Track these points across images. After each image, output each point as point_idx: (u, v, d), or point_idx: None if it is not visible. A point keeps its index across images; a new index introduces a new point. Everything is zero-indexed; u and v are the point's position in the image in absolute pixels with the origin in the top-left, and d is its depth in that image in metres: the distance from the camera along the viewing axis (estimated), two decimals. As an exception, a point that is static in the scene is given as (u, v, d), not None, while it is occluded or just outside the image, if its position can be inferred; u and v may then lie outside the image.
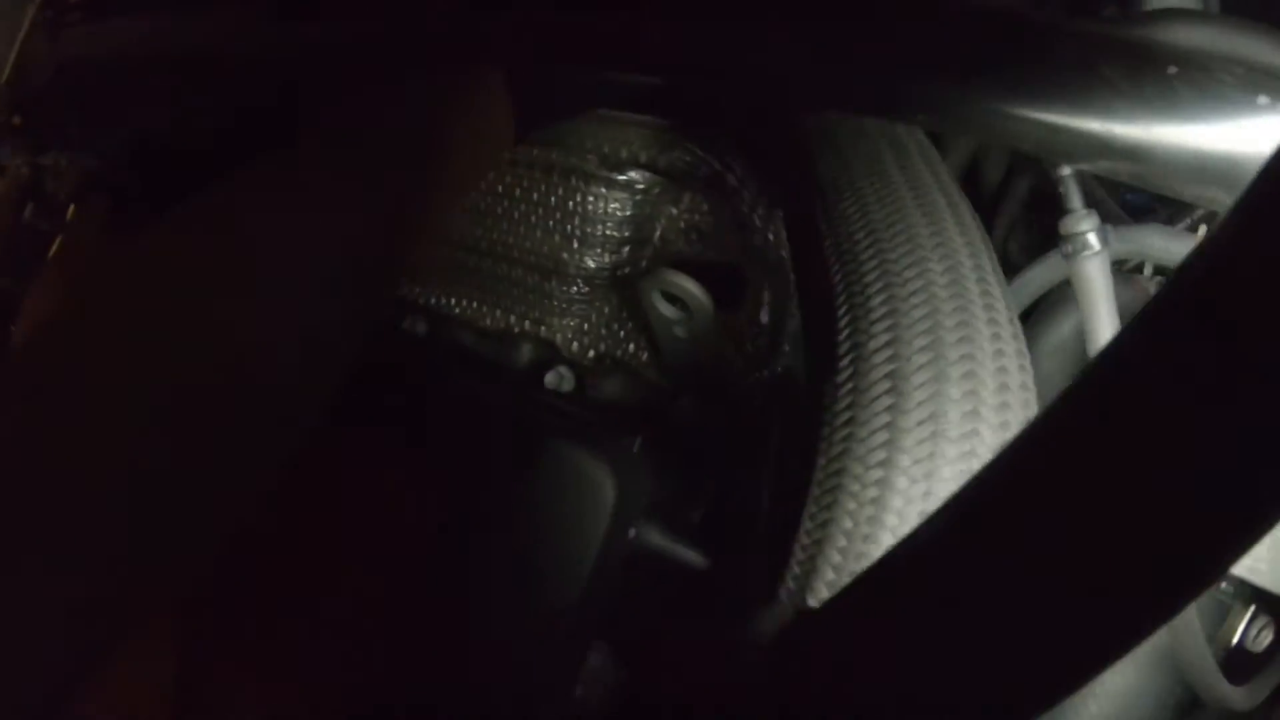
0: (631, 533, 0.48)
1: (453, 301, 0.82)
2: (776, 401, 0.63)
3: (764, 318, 0.69)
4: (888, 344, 0.40)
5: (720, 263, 0.71)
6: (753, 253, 0.70)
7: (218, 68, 0.82)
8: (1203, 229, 0.54)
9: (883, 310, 0.41)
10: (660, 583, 0.51)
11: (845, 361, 0.41)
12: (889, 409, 0.38)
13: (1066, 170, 0.43)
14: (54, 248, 1.07)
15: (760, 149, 0.68)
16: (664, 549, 0.49)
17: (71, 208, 1.06)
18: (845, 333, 0.42)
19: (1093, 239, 0.44)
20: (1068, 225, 0.45)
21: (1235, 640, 0.54)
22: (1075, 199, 0.44)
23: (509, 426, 0.52)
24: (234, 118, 0.92)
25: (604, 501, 0.45)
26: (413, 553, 0.53)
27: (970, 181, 0.69)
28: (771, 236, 0.72)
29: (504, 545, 0.49)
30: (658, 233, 0.74)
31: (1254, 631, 0.55)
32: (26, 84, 1.04)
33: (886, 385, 0.38)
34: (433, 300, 0.83)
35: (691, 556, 0.49)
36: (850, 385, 0.40)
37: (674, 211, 0.73)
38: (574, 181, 0.73)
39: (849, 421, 0.39)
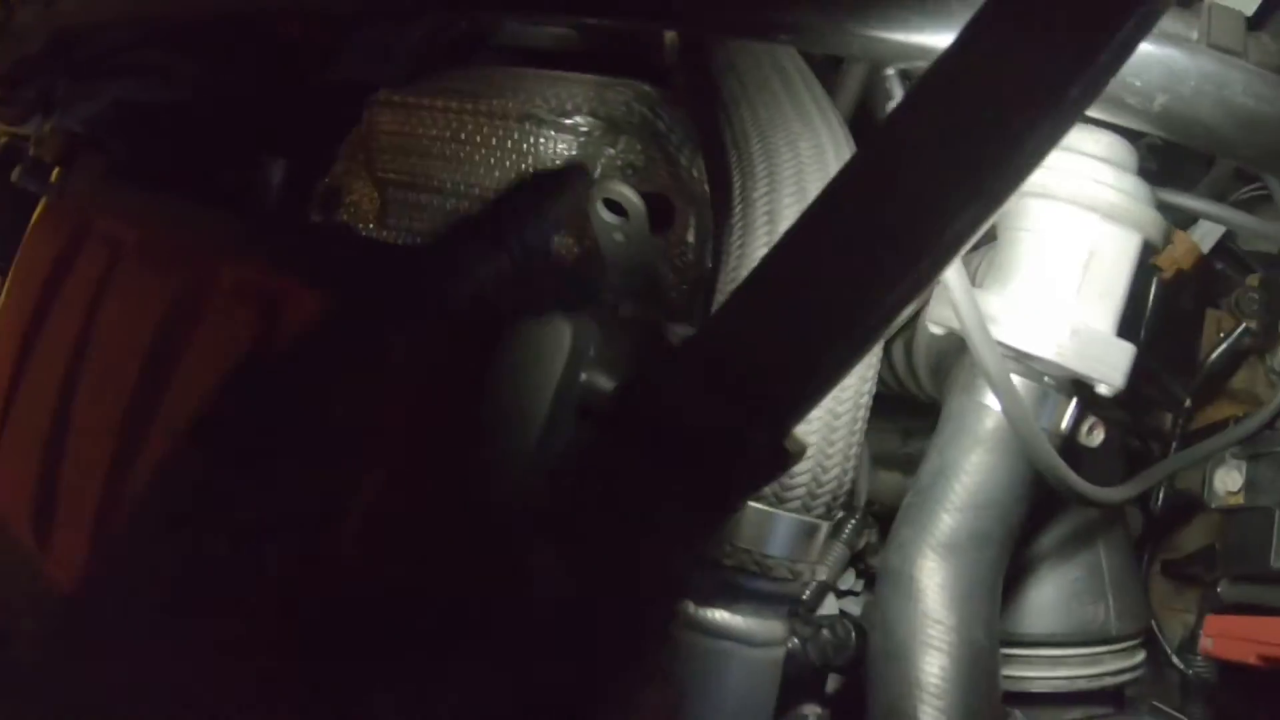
0: (583, 376, 0.60)
1: (418, 240, 0.93)
2: (699, 302, 0.76)
3: (690, 237, 0.82)
4: (766, 192, 0.54)
5: (651, 193, 0.84)
6: (679, 184, 0.83)
7: (209, 32, 0.93)
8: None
9: (763, 172, 0.55)
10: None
11: (738, 209, 0.55)
12: (767, 232, 0.52)
13: (890, 70, 0.59)
14: (38, 212, 1.14)
15: (687, 90, 0.81)
16: (609, 391, 0.61)
17: (57, 170, 1.14)
18: (738, 192, 0.57)
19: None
20: (889, 109, 0.60)
21: (1064, 426, 0.68)
22: (897, 90, 0.60)
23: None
24: (224, 82, 1.02)
25: (560, 344, 0.58)
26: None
27: (862, 118, 0.83)
28: (695, 172, 0.85)
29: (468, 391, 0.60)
30: (598, 170, 0.86)
31: (1085, 428, 0.70)
32: (7, 53, 1.11)
33: (766, 218, 0.53)
34: (402, 239, 0.94)
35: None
36: (742, 222, 0.54)
37: (611, 152, 0.86)
38: (528, 126, 0.86)
39: (740, 244, 0.53)
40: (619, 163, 0.86)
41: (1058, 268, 0.66)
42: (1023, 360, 0.66)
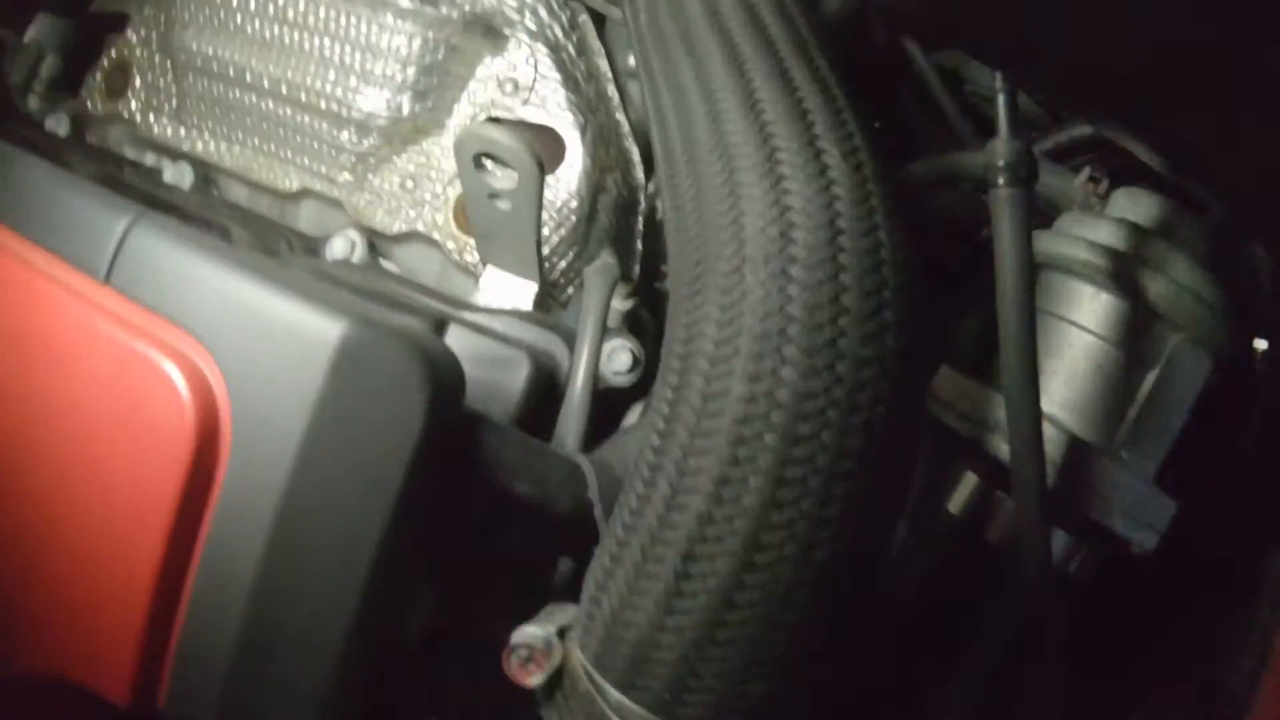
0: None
1: (225, 148, 0.70)
2: (598, 282, 0.57)
3: (578, 187, 0.62)
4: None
5: (536, 125, 0.63)
6: (573, 111, 0.63)
7: None
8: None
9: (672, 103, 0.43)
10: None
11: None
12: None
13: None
14: None
15: None
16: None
17: None
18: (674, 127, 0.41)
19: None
20: None
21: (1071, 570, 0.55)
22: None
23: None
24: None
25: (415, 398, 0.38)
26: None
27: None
28: (593, 94, 0.65)
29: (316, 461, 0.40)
30: (469, 82, 0.65)
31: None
32: None
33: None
34: (201, 146, 0.71)
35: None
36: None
37: (489, 60, 0.65)
38: (376, 13, 0.63)
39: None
40: (498, 77, 0.65)
41: (1113, 392, 0.50)
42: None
